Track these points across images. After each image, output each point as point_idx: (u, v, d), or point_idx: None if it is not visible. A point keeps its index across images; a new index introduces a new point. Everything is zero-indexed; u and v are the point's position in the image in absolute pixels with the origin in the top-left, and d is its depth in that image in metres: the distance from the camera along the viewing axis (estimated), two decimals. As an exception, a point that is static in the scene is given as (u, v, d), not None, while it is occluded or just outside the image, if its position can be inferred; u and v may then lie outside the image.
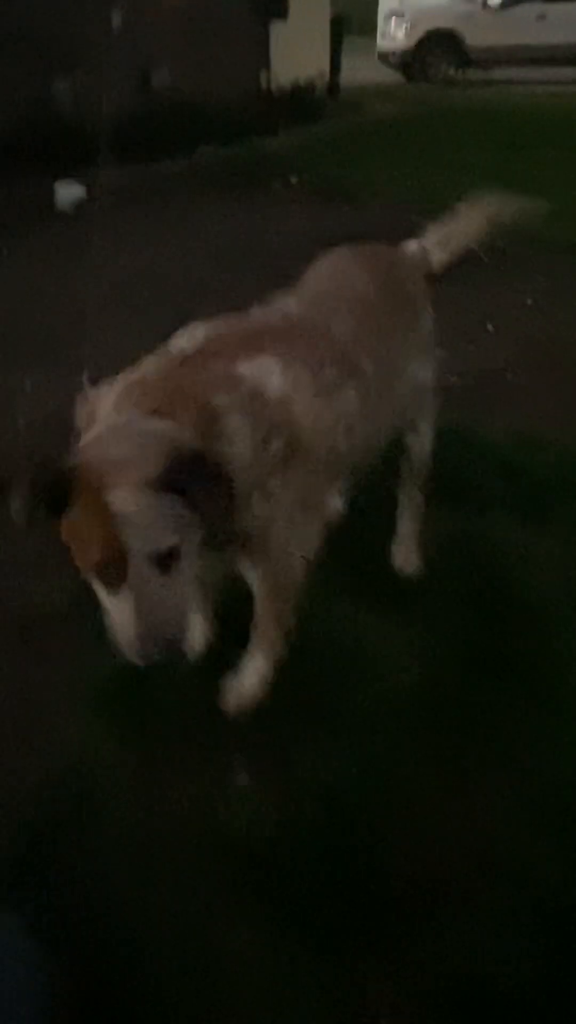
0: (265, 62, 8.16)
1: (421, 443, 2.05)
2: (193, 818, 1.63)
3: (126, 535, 1.23)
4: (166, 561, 1.27)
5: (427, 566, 2.19)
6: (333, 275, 1.81)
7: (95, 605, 2.08)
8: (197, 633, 1.94)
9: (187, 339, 1.52)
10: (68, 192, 5.17)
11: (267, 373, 1.48)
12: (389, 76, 11.47)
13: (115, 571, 1.26)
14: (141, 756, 1.73)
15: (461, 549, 2.26)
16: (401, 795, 1.66)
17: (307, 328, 1.62)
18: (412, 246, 2.10)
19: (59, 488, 1.24)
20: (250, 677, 1.79)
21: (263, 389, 1.46)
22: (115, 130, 6.05)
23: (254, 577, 1.62)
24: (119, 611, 1.29)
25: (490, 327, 3.46)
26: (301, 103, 8.07)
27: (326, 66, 9.24)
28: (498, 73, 11.13)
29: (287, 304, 1.71)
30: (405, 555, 2.18)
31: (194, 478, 1.25)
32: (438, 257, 2.08)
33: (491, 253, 4.13)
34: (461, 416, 2.60)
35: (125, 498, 1.22)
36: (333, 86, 9.34)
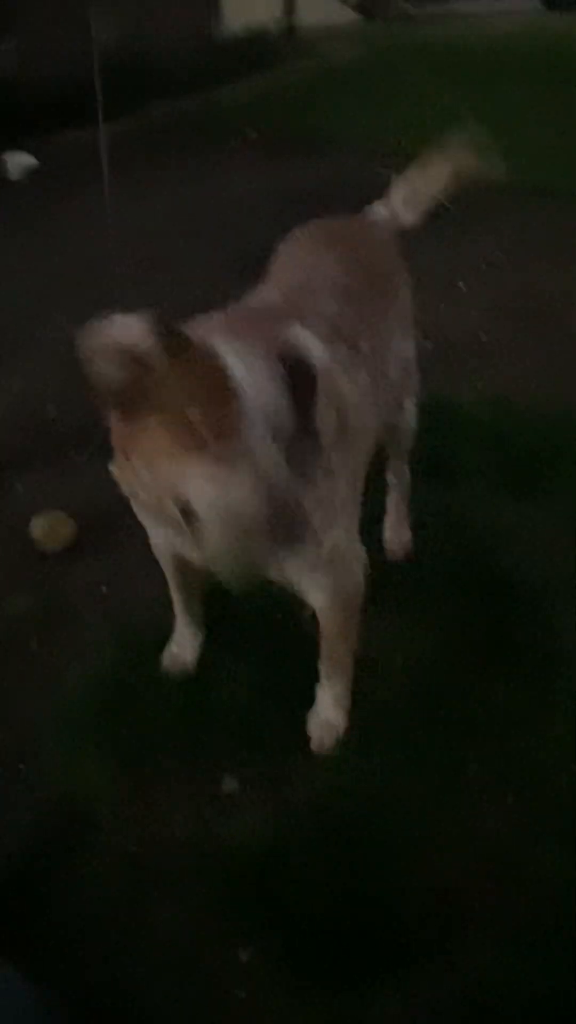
0: (215, 5, 7.79)
1: (406, 420, 1.99)
2: (188, 836, 1.59)
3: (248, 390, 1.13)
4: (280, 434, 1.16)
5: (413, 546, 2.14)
6: (305, 260, 1.71)
7: (68, 619, 2.04)
8: (188, 644, 1.88)
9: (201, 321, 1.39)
10: (19, 162, 4.94)
11: (308, 342, 1.39)
12: (345, 15, 11.00)
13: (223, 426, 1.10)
14: (132, 775, 1.69)
15: (444, 526, 2.21)
16: (400, 798, 1.63)
17: (305, 310, 1.52)
18: (380, 211, 2.00)
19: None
20: (331, 709, 1.73)
21: (311, 357, 1.36)
22: (61, 91, 5.76)
23: (316, 592, 1.53)
24: (224, 478, 1.11)
25: (461, 284, 3.35)
26: (255, 48, 7.73)
27: (279, 7, 8.84)
28: (457, 6, 10.71)
29: (269, 294, 1.62)
30: (398, 534, 2.14)
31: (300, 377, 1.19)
32: (406, 217, 1.99)
33: (456, 203, 4.01)
34: (436, 383, 2.52)
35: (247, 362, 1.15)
36: (288, 28, 8.95)
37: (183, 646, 1.87)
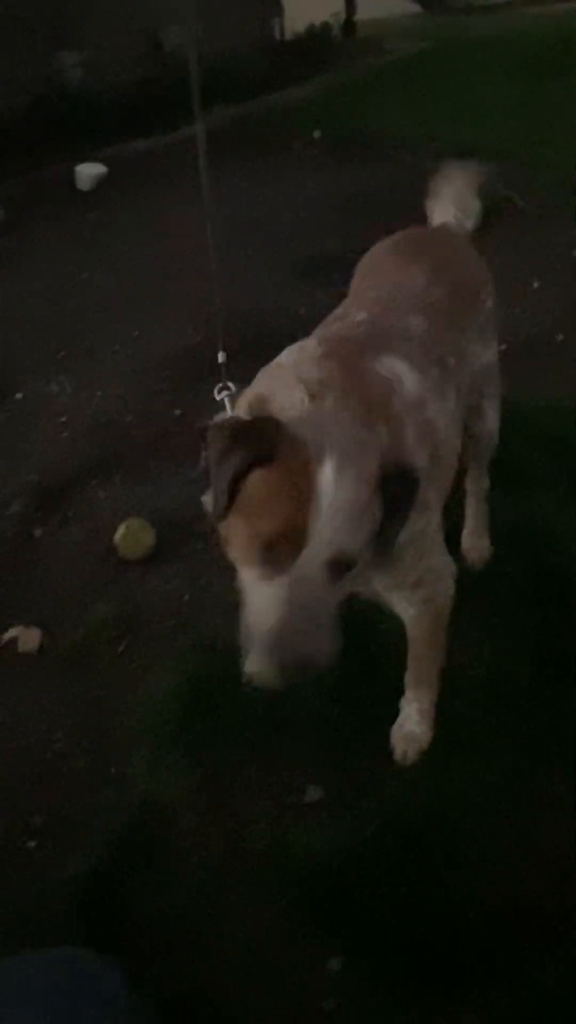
0: (278, 8, 7.81)
1: (488, 427, 1.97)
2: (270, 844, 1.62)
3: (322, 519, 1.13)
4: (339, 568, 1.17)
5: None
6: (391, 275, 1.71)
7: (151, 625, 2.09)
8: None
9: (297, 351, 1.43)
10: (89, 172, 5.05)
11: (400, 373, 1.41)
12: (406, 8, 10.90)
13: (284, 554, 1.15)
14: (215, 782, 1.72)
15: (519, 536, 2.18)
16: (479, 810, 1.62)
17: (394, 331, 1.53)
18: (450, 222, 1.99)
19: (265, 443, 1.16)
20: (416, 722, 1.75)
21: (403, 391, 1.39)
22: (129, 101, 5.88)
23: (407, 608, 1.55)
24: (267, 602, 1.16)
25: (535, 284, 3.29)
26: (317, 47, 7.72)
27: (341, 4, 8.81)
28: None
29: (358, 313, 1.61)
30: (477, 543, 2.13)
31: (401, 488, 1.21)
32: (467, 223, 2.00)
33: (529, 201, 3.94)
34: (509, 387, 2.48)
35: (339, 481, 1.13)
36: (349, 25, 8.92)
37: None
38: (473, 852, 1.57)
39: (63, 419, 2.85)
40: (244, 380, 1.64)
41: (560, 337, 3.00)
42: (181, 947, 1.50)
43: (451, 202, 1.97)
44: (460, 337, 1.67)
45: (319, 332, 1.56)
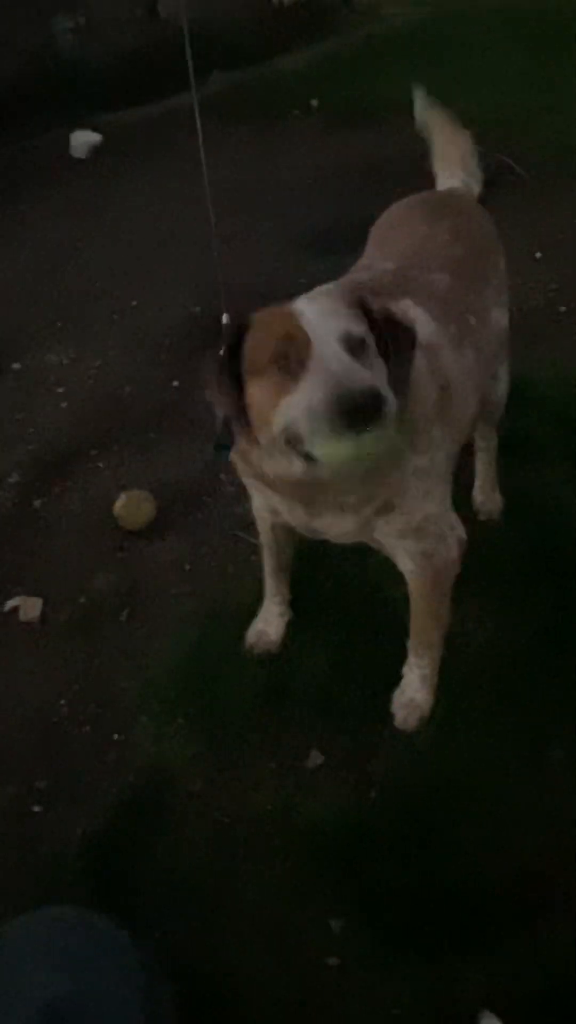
0: (273, -28, 7.62)
1: (500, 390, 1.98)
2: (275, 808, 1.64)
3: (315, 318, 1.24)
4: (356, 347, 1.23)
5: (488, 528, 2.12)
6: (415, 231, 1.71)
7: (155, 595, 2.09)
8: (274, 621, 1.91)
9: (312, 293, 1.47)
10: (84, 140, 4.96)
11: (415, 318, 1.45)
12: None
13: (298, 361, 1.22)
14: (219, 747, 1.74)
15: (520, 506, 2.18)
16: (482, 776, 1.64)
17: (419, 283, 1.56)
18: (459, 187, 1.97)
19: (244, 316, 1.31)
20: (418, 689, 1.75)
21: (419, 332, 1.42)
22: (124, 67, 5.76)
23: (407, 562, 1.56)
24: (308, 391, 1.20)
25: (538, 255, 3.25)
26: (315, 15, 7.56)
27: (338, -31, 8.61)
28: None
29: (384, 262, 1.64)
30: (487, 495, 2.15)
31: (381, 317, 1.29)
32: (475, 187, 1.99)
33: (531, 170, 3.89)
34: (513, 358, 2.48)
35: (311, 307, 1.27)
36: (347, -9, 8.73)
37: (269, 623, 1.91)
38: (475, 817, 1.59)
39: (61, 390, 2.83)
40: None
41: (563, 308, 2.98)
42: (187, 907, 1.52)
43: (458, 166, 1.95)
44: (479, 297, 1.68)
45: (341, 280, 1.57)
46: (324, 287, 1.52)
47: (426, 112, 2.03)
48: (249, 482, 1.59)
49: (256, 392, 1.28)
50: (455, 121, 2.02)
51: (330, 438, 1.18)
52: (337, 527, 1.48)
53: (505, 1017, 1.34)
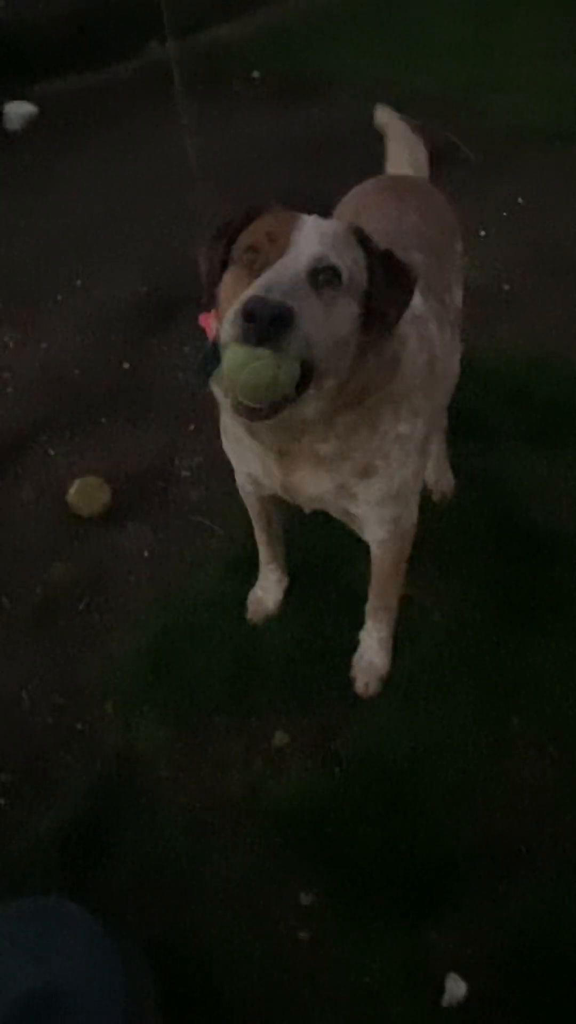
0: None
1: (453, 367, 1.99)
2: (243, 789, 1.66)
3: (304, 231, 1.22)
4: (324, 278, 1.19)
5: (442, 506, 2.16)
6: (386, 210, 1.72)
7: (113, 583, 2.07)
8: (272, 588, 1.93)
9: None
10: (19, 111, 4.78)
11: None
12: None
13: (267, 260, 1.19)
14: (185, 733, 1.75)
15: (475, 483, 2.23)
16: (445, 748, 1.69)
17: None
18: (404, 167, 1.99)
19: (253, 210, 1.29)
20: (376, 652, 1.79)
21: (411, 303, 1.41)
22: (58, 35, 5.55)
23: (377, 526, 1.57)
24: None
25: (482, 233, 3.29)
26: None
27: None
28: None
29: None
30: (440, 474, 2.18)
31: (380, 254, 1.27)
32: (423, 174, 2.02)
33: (475, 149, 3.91)
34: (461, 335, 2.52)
35: (314, 220, 1.25)
36: (286, -43, 8.54)
37: (267, 590, 1.93)
38: (438, 787, 1.65)
39: (7, 375, 2.75)
40: (197, 329, 1.62)
41: (507, 287, 3.02)
42: (161, 891, 1.54)
43: (407, 163, 1.96)
44: (446, 277, 1.70)
45: None
46: None
47: (386, 121, 2.03)
48: (230, 447, 1.58)
49: (227, 278, 1.27)
50: (413, 129, 2.03)
51: (230, 339, 1.14)
52: (313, 485, 1.47)
53: (473, 979, 1.40)
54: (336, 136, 3.97)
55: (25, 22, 5.53)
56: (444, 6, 5.89)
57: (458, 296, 1.84)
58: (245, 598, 1.96)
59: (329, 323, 1.19)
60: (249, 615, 1.93)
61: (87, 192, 3.89)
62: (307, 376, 1.19)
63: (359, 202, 1.82)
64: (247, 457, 1.54)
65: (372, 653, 1.80)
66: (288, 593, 1.96)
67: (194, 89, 5.34)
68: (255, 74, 5.41)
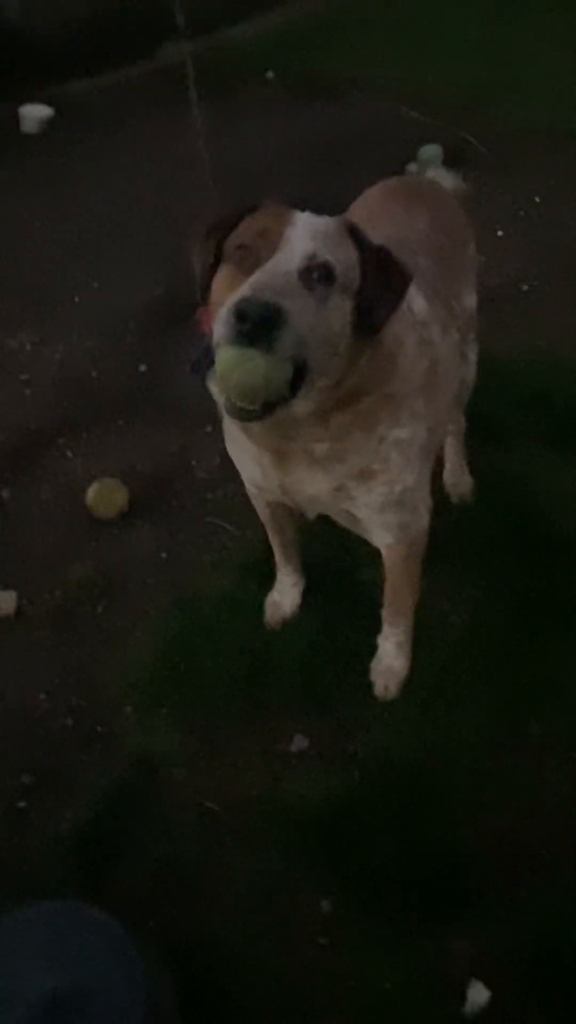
0: None
1: (469, 371, 1.99)
2: (262, 792, 1.66)
3: (297, 229, 1.20)
4: (316, 276, 1.18)
5: (460, 509, 2.15)
6: (396, 215, 1.71)
7: (131, 585, 2.08)
8: (288, 592, 1.93)
9: None
10: (35, 114, 4.80)
11: (412, 293, 1.42)
12: None
13: (260, 259, 1.18)
14: (203, 735, 1.75)
15: (492, 485, 2.22)
16: (463, 752, 1.68)
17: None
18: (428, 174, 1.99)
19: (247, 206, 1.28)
20: (394, 656, 1.79)
21: (412, 307, 1.42)
22: (73, 38, 5.57)
23: (384, 536, 1.57)
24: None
25: (500, 233, 3.27)
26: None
27: None
28: None
29: None
30: (458, 477, 2.18)
31: (374, 252, 1.26)
32: (447, 182, 2.04)
33: (492, 148, 3.89)
34: (478, 336, 2.51)
35: (307, 217, 1.24)
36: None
37: (284, 593, 1.93)
38: (457, 793, 1.64)
39: (25, 376, 2.77)
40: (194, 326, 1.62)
41: (525, 287, 3.00)
42: (179, 895, 1.54)
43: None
44: (455, 283, 1.69)
45: None
46: None
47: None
48: (234, 451, 1.58)
49: (220, 275, 1.25)
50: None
51: (222, 340, 1.14)
52: (309, 486, 1.46)
53: (494, 986, 1.39)
54: (351, 136, 3.97)
55: (40, 26, 5.56)
56: (457, 6, 5.87)
57: (470, 300, 1.83)
58: (262, 600, 1.96)
59: (321, 322, 1.18)
60: (266, 619, 1.93)
61: (103, 194, 3.91)
62: (300, 375, 1.18)
63: (369, 207, 1.81)
64: (245, 461, 1.54)
65: (390, 657, 1.79)
66: (305, 596, 1.96)
67: (209, 90, 5.36)
68: (269, 75, 5.41)
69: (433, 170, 2.09)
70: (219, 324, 1.14)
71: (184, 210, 3.67)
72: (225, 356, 1.13)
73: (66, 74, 5.32)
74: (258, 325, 1.09)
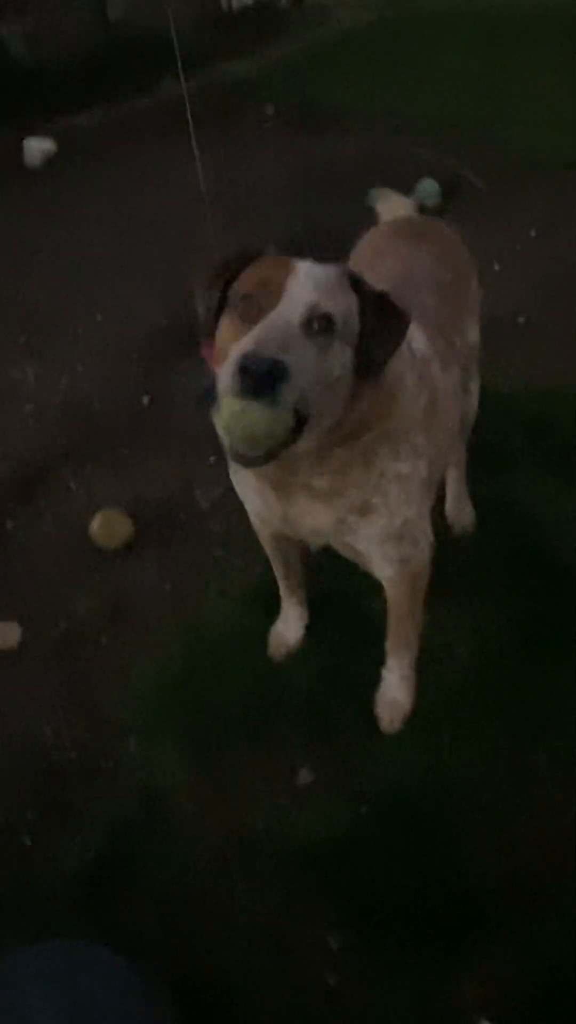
0: (223, -24, 7.60)
1: (471, 403, 2.02)
2: (268, 827, 1.65)
3: (299, 279, 1.23)
4: (318, 325, 1.21)
5: (462, 540, 2.16)
6: (400, 253, 1.75)
7: (135, 616, 2.09)
8: (293, 623, 1.94)
9: None
10: (37, 148, 4.88)
11: (413, 331, 1.45)
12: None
13: (262, 309, 1.21)
14: (209, 769, 1.75)
15: (495, 516, 2.23)
16: (470, 783, 1.68)
17: (412, 303, 1.55)
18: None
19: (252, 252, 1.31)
20: (398, 688, 1.79)
21: (412, 345, 1.45)
22: (74, 73, 5.69)
23: (384, 568, 1.58)
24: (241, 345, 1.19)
25: (496, 267, 3.32)
26: (265, 18, 7.56)
27: (287, -28, 8.62)
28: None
29: (377, 284, 1.66)
30: (459, 508, 2.19)
31: (374, 298, 1.29)
32: None
33: (487, 181, 3.96)
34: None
35: (307, 267, 1.26)
36: (296, -6, 8.74)
37: (288, 625, 1.94)
38: (465, 826, 1.63)
39: (29, 407, 2.79)
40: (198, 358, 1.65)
41: (522, 319, 3.05)
42: (186, 930, 1.53)
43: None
44: (458, 319, 1.73)
45: None
46: None
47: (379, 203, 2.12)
48: (237, 483, 1.59)
49: (223, 325, 1.28)
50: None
51: (226, 393, 1.17)
52: (310, 519, 1.48)
53: (502, 1022, 1.38)
54: (349, 166, 4.03)
55: (43, 61, 5.68)
56: (454, 38, 6.00)
57: (474, 334, 1.86)
58: (266, 631, 1.97)
59: (323, 370, 1.22)
60: (271, 651, 1.93)
61: (105, 226, 3.96)
62: (301, 422, 1.22)
63: (374, 247, 1.85)
64: (248, 492, 1.57)
65: (395, 690, 1.80)
66: (309, 627, 1.97)
67: (209, 123, 5.45)
68: (268, 108, 5.51)
69: (383, 197, 2.13)
70: (224, 375, 1.17)
71: (186, 242, 3.72)
72: (229, 407, 1.17)
73: (68, 108, 5.42)
74: (262, 380, 1.13)
